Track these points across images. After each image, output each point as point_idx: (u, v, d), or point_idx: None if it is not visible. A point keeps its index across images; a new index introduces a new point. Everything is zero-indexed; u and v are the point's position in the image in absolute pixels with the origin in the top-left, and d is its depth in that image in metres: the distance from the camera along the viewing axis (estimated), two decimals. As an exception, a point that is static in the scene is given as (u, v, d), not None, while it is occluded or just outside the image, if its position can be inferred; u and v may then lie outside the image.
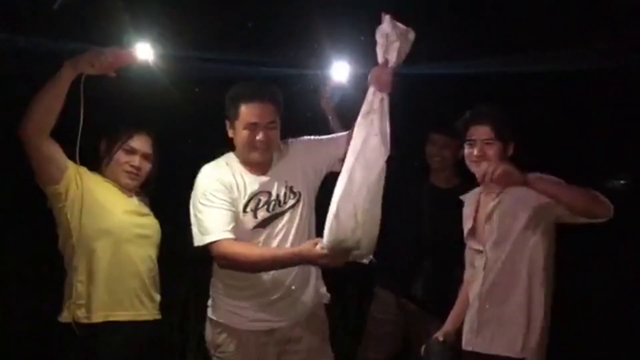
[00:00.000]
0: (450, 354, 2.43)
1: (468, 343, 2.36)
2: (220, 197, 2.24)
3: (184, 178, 2.37)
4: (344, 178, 2.03)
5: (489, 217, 2.36)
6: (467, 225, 2.48)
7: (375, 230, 2.08)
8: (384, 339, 3.11)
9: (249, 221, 2.28)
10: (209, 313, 2.41)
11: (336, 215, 2.01)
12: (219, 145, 2.41)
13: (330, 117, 2.86)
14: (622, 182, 3.99)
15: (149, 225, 2.44)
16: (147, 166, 2.45)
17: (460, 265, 2.65)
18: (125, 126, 2.44)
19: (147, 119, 2.56)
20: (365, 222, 2.01)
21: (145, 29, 2.32)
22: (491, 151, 2.34)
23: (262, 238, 2.29)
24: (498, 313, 2.29)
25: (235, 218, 2.25)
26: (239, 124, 2.28)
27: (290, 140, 2.48)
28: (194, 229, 2.25)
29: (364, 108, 2.07)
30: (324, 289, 2.48)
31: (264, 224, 2.29)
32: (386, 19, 2.04)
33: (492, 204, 2.36)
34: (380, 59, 2.06)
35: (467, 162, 2.41)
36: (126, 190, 2.42)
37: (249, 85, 2.32)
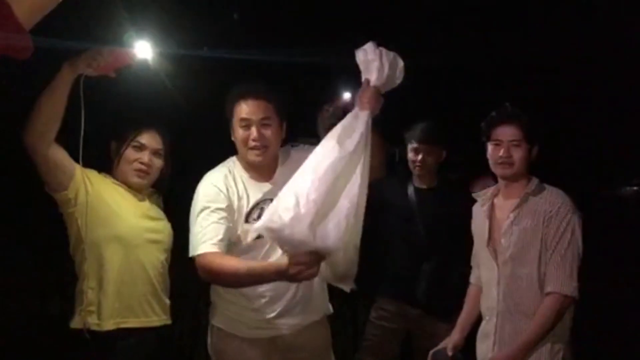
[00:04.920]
0: None
1: (486, 358, 2.31)
2: (215, 207, 2.17)
3: (197, 179, 2.32)
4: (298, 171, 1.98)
5: (506, 230, 2.28)
6: (479, 230, 2.41)
7: (342, 237, 1.88)
8: (381, 345, 3.09)
9: (252, 232, 2.21)
10: (210, 318, 2.37)
11: (277, 200, 1.93)
12: (228, 144, 2.36)
13: (321, 135, 2.85)
14: (635, 188, 3.96)
15: (160, 229, 2.40)
16: (157, 162, 2.40)
17: (465, 263, 2.61)
18: (133, 123, 2.40)
19: (156, 117, 2.52)
20: (315, 218, 1.84)
21: (145, 27, 2.22)
22: (517, 153, 2.26)
23: (264, 249, 2.20)
24: (520, 330, 2.21)
25: (230, 231, 2.18)
26: (235, 122, 2.26)
27: (300, 145, 2.43)
28: (190, 240, 2.19)
29: (344, 120, 2.05)
30: (328, 304, 2.43)
31: None
32: (369, 44, 2.05)
33: (511, 217, 2.27)
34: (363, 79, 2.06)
35: (491, 163, 2.34)
36: (137, 192, 2.38)
37: (245, 84, 2.29)
